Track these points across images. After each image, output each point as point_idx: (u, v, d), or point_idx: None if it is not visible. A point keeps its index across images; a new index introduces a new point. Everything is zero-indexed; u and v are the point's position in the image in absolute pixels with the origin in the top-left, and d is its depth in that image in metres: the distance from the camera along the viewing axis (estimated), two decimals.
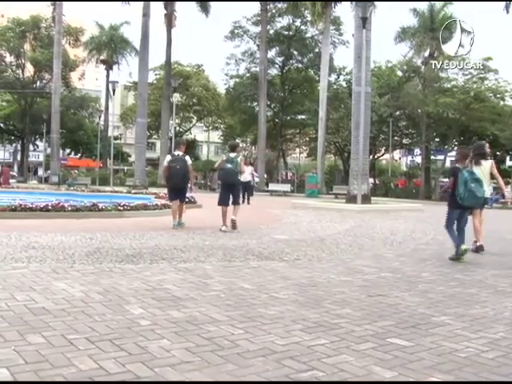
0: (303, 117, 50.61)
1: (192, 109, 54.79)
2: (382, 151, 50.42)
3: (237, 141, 14.63)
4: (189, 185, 10.75)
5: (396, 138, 49.47)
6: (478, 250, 8.26)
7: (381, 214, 15.69)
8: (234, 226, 10.08)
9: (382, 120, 43.48)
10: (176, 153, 10.65)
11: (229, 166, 10.11)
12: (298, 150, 62.66)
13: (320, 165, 38.21)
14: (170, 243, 7.97)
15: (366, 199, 19.89)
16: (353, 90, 23.02)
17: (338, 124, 45.86)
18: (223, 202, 10.24)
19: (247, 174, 18.07)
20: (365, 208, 17.49)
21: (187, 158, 10.51)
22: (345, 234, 10.56)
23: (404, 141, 51.95)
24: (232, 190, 10.29)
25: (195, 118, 57.62)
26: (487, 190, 8.39)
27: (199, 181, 41.90)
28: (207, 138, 67.00)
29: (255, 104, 48.86)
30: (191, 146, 56.86)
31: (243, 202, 18.85)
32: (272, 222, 12.27)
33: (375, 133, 42.63)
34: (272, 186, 37.87)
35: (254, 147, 57.23)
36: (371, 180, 35.15)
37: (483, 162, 8.52)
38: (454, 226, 7.47)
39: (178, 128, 54.41)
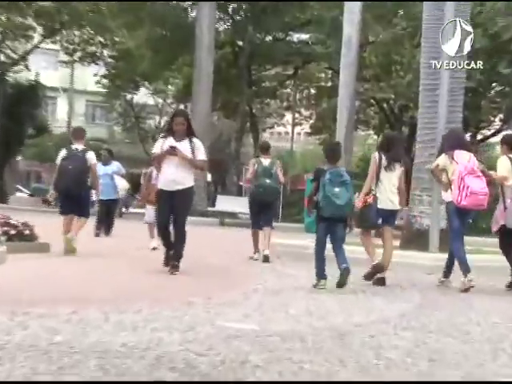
0: (303, 37, 30.16)
1: (32, 10, 29.64)
2: (496, 125, 30.16)
3: (267, 141, 14.00)
4: (93, 192, 10.65)
5: None
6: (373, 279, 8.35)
7: (493, 277, 9.88)
8: (266, 259, 10.35)
9: (497, 49, 22.75)
10: (74, 147, 10.05)
11: (267, 181, 10.30)
12: (289, 116, 37.16)
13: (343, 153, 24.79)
14: None
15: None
16: None
17: (389, 59, 25.42)
18: (257, 224, 10.75)
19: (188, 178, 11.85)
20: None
21: (89, 154, 10.08)
22: (398, 323, 6.06)
23: None
24: (267, 209, 10.72)
25: (40, 31, 32.36)
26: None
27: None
28: (70, 79, 42.09)
29: (189, 3, 29.15)
30: (28, 97, 32.81)
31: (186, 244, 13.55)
32: (225, 290, 7.77)
33: (479, 80, 22.16)
34: (224, 204, 24.09)
35: (184, 107, 32.87)
36: None
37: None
38: (335, 250, 7.69)
39: None
